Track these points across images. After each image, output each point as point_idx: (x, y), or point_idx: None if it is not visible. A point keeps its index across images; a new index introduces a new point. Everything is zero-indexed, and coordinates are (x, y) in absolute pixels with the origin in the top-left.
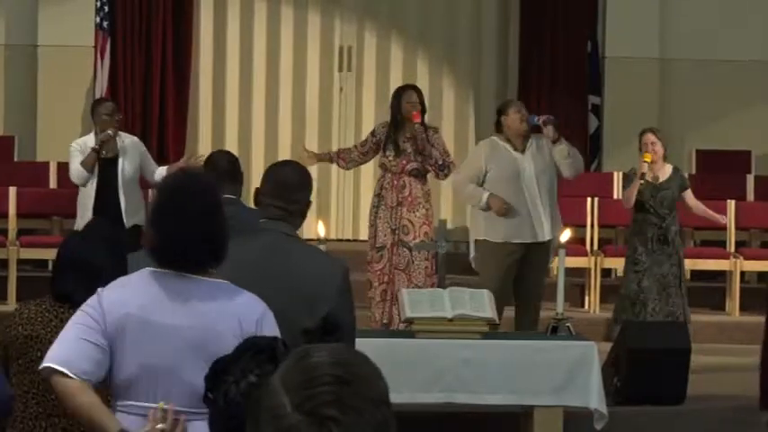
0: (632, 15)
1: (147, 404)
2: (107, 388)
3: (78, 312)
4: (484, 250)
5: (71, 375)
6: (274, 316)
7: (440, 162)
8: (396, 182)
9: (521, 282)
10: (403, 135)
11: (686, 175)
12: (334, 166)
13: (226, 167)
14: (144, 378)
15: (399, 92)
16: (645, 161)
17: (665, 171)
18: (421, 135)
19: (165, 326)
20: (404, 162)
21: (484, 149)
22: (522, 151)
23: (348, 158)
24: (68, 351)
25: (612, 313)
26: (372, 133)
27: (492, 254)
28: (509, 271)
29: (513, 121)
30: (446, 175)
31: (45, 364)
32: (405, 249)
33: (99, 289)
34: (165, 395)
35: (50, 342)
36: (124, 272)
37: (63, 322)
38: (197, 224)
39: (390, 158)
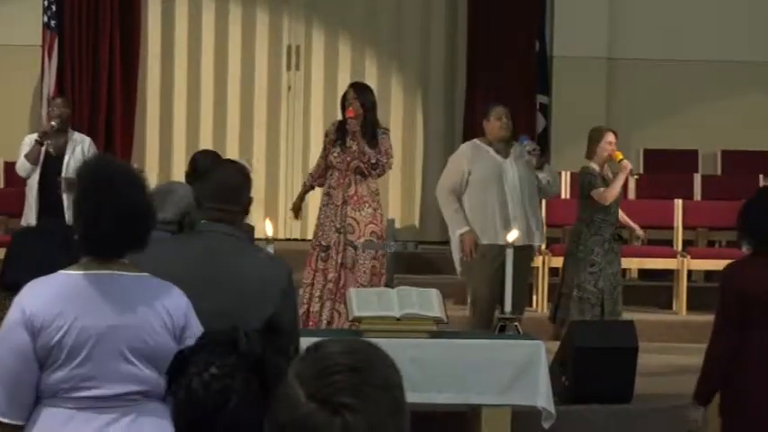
0: (580, 15)
1: (94, 393)
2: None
3: (8, 332)
4: (481, 252)
5: (10, 423)
6: (220, 315)
7: (372, 160)
8: (342, 180)
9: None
10: (349, 133)
11: None
12: (282, 167)
13: (205, 167)
14: (87, 376)
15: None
16: (622, 159)
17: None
18: (353, 130)
19: (102, 328)
20: (348, 159)
21: (466, 152)
22: (506, 156)
23: (321, 173)
24: (7, 398)
25: (561, 315)
26: (326, 134)
27: (483, 255)
28: (496, 275)
29: (493, 128)
30: (378, 174)
31: None
32: (351, 249)
33: (18, 298)
34: (110, 386)
35: None
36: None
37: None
38: (118, 205)
39: (335, 155)
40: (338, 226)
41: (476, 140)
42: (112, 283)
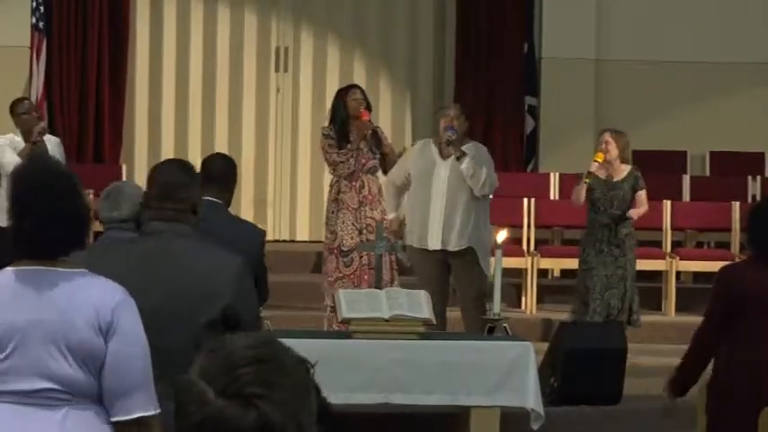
0: (568, 16)
1: (17, 387)
2: None
3: None
4: (410, 254)
5: None
6: (170, 317)
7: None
8: (354, 183)
9: (455, 289)
10: (352, 134)
11: (640, 177)
12: (270, 168)
13: (217, 171)
14: (11, 371)
15: (343, 91)
16: (595, 160)
17: (621, 171)
18: (377, 132)
19: (28, 323)
20: (363, 161)
21: (414, 150)
22: (447, 157)
23: (342, 172)
24: None
25: (570, 314)
26: (327, 136)
27: (414, 257)
28: (434, 273)
29: (440, 127)
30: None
31: None
32: None
33: None
34: (34, 382)
35: None
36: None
37: None
38: (51, 206)
39: (347, 156)
40: (359, 228)
41: (429, 139)
42: (38, 279)
